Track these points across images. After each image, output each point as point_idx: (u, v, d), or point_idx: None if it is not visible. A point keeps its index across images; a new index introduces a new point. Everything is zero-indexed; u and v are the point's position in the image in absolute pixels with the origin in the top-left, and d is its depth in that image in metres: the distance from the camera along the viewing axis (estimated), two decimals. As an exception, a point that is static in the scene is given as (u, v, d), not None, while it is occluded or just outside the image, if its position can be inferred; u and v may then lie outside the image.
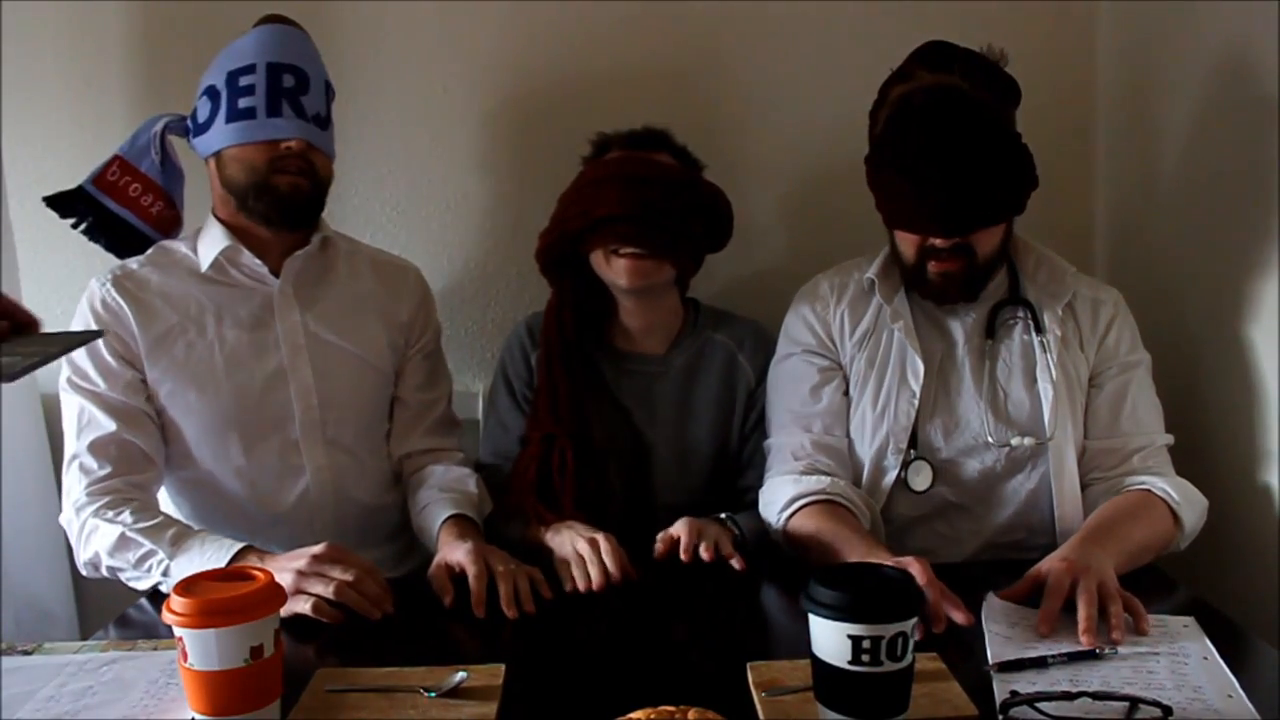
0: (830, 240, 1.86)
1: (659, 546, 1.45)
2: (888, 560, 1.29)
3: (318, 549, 1.35)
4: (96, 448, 1.51)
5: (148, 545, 1.43)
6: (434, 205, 2.03)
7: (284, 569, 1.32)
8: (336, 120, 1.65)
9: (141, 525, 1.45)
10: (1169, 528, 1.47)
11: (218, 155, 1.58)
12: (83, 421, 1.52)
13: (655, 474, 1.71)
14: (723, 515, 1.57)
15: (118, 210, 1.66)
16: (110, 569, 1.47)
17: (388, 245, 1.90)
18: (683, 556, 1.42)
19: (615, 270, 1.64)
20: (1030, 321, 1.58)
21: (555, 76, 1.99)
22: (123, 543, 1.43)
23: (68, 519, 1.51)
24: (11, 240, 1.88)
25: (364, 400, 1.68)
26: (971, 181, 1.45)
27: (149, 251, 1.65)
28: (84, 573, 1.53)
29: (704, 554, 1.40)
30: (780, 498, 1.53)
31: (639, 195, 1.59)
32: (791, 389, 1.63)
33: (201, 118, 1.59)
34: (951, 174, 1.44)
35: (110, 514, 1.46)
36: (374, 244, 1.83)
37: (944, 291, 1.56)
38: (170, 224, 1.70)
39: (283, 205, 1.57)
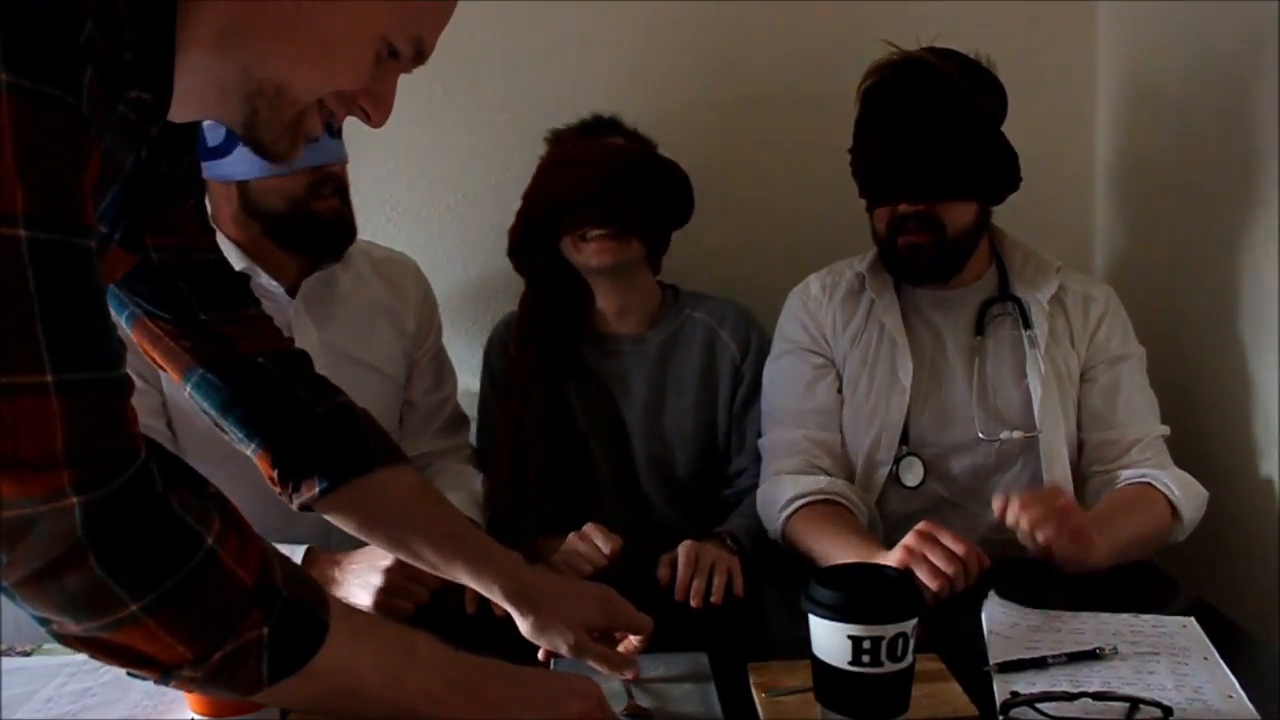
0: (828, 242, 1.85)
1: (662, 571, 1.44)
2: (888, 561, 1.30)
3: (387, 568, 1.31)
4: None
5: None
6: (434, 205, 2.03)
7: (363, 586, 1.32)
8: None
9: None
10: (1166, 521, 1.47)
11: (242, 182, 1.51)
12: None
13: (635, 454, 1.72)
14: (725, 538, 1.55)
15: None
16: None
17: (387, 245, 1.89)
18: (677, 597, 1.39)
19: (585, 253, 1.66)
20: (1019, 317, 1.59)
21: (555, 76, 1.99)
22: None
23: None
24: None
25: (382, 412, 1.62)
26: (933, 147, 1.48)
27: None
28: None
29: (713, 600, 1.39)
30: (779, 498, 1.53)
31: (597, 175, 1.62)
32: (786, 386, 1.64)
33: (214, 141, 1.48)
34: (911, 137, 1.48)
35: None
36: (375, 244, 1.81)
37: (913, 268, 1.57)
38: None
39: (326, 233, 1.54)
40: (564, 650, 1.13)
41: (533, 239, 1.70)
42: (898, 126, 1.50)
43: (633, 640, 1.17)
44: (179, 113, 0.80)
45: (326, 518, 1.14)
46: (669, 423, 1.72)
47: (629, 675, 1.12)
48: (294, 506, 1.12)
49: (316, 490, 1.10)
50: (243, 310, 1.10)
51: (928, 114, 1.48)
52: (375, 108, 0.85)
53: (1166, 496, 1.48)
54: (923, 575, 1.27)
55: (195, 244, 1.05)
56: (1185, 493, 1.48)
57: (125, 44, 0.71)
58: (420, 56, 0.84)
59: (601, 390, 1.73)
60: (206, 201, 1.55)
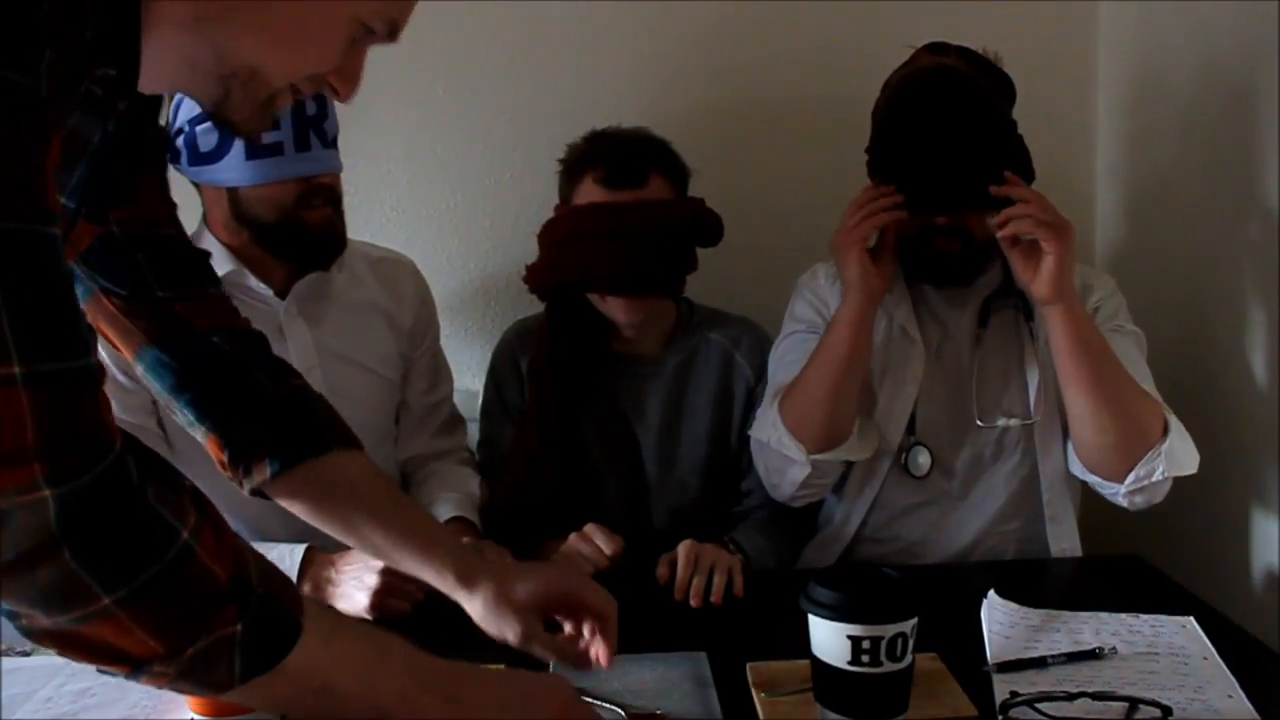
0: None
1: (661, 570, 1.44)
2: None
3: (383, 568, 1.29)
4: None
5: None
6: (434, 205, 2.03)
7: (359, 586, 1.31)
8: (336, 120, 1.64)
9: None
10: (1155, 421, 1.45)
11: (232, 189, 1.50)
12: None
13: (648, 479, 1.71)
14: (728, 543, 1.55)
15: None
16: None
17: (387, 245, 1.89)
18: (677, 596, 1.39)
19: (612, 307, 1.64)
20: (1022, 310, 1.59)
21: (554, 75, 1.99)
22: None
23: None
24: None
25: (377, 413, 1.65)
26: (967, 160, 1.47)
27: None
28: None
29: (713, 599, 1.38)
30: (766, 410, 1.57)
31: (628, 251, 1.57)
32: (791, 359, 1.62)
33: (206, 147, 1.47)
34: (947, 151, 1.47)
35: None
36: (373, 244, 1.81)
37: (941, 273, 1.58)
38: None
39: (316, 243, 1.53)
40: (511, 640, 1.07)
41: (556, 286, 1.66)
42: (933, 139, 1.48)
43: (600, 657, 1.09)
44: (148, 86, 0.80)
45: (279, 503, 1.11)
46: (683, 448, 1.71)
47: (587, 667, 1.08)
48: (245, 491, 1.09)
49: (268, 473, 1.07)
50: (200, 288, 1.08)
51: (962, 127, 1.47)
52: (344, 83, 0.85)
53: (1164, 414, 1.46)
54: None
55: (155, 216, 1.04)
56: (1181, 433, 1.46)
57: (87, 21, 0.69)
58: (393, 34, 0.84)
59: (617, 415, 1.71)
60: (200, 202, 1.56)
